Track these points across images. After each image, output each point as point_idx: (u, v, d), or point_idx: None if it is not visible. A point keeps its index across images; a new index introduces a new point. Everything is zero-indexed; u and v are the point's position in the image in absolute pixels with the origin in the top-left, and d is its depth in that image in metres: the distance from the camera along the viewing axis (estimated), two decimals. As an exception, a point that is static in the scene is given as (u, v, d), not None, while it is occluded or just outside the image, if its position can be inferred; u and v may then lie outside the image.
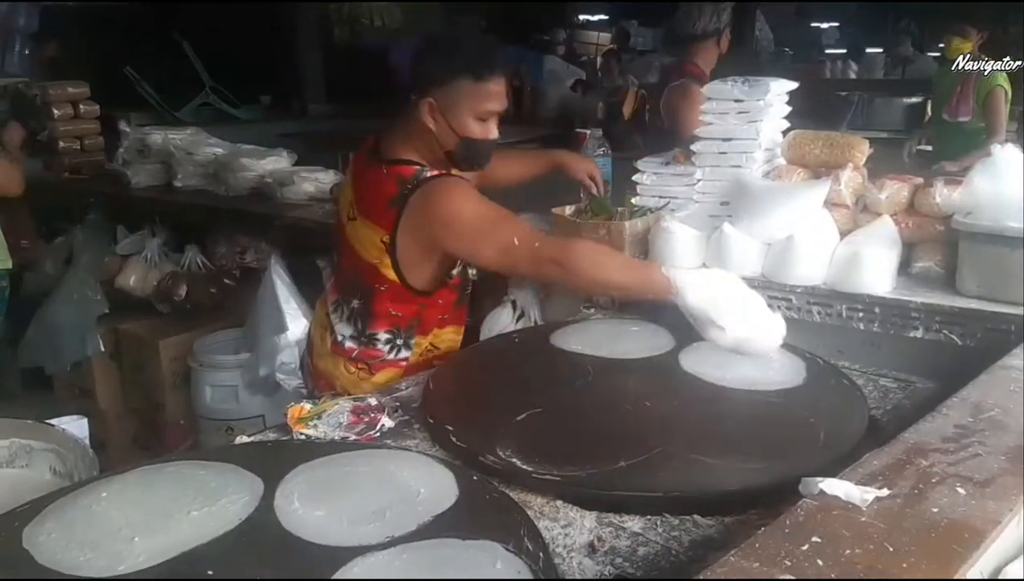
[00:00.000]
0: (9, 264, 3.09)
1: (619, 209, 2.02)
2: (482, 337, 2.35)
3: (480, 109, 1.64)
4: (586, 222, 2.01)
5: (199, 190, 3.23)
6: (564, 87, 8.51)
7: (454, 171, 1.73)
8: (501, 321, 2.38)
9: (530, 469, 1.17)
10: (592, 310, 2.07)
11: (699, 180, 1.98)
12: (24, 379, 3.52)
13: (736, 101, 1.92)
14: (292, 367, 2.65)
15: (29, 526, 1.03)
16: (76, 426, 1.74)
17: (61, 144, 3.83)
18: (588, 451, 1.22)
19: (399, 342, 1.84)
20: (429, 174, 1.68)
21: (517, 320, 2.39)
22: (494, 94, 1.65)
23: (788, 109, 2.02)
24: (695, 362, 1.56)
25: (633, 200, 2.09)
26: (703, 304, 1.50)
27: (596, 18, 12.65)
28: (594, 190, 2.15)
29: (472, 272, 1.98)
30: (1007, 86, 3.85)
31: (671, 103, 3.09)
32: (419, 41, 1.79)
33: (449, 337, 1.93)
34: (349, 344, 1.86)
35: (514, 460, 1.20)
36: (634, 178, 2.10)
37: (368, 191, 1.75)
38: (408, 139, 1.72)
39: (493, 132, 1.69)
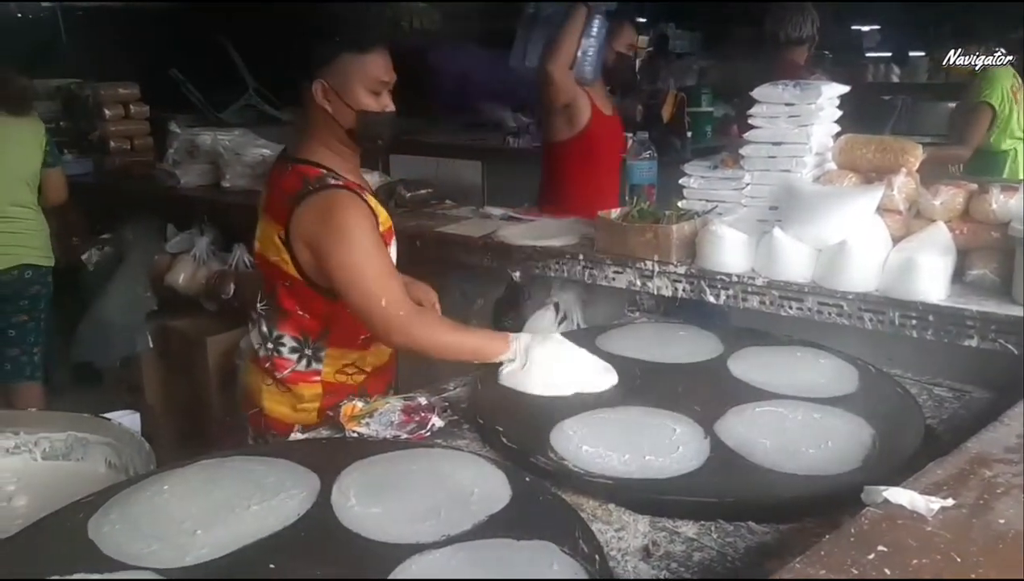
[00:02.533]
0: (52, 262, 3.19)
1: (666, 212, 2.01)
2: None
3: (369, 81, 1.64)
4: (632, 225, 2.00)
5: (247, 190, 3.27)
6: (602, 90, 8.49)
7: (369, 199, 1.68)
8: (543, 324, 2.39)
9: (582, 471, 1.18)
10: (637, 314, 2.07)
11: (747, 184, 1.97)
12: (74, 374, 3.60)
13: (787, 105, 1.90)
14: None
15: (94, 517, 1.06)
16: (128, 421, 1.78)
17: (112, 144, 3.93)
18: (640, 455, 1.22)
19: (307, 352, 1.73)
20: (333, 182, 1.63)
21: (559, 323, 2.39)
22: (381, 64, 1.65)
23: (839, 113, 2.00)
24: (745, 368, 1.55)
25: (679, 203, 2.08)
26: (532, 367, 1.51)
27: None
28: None
29: None
30: (996, 103, 3.74)
31: None
32: (301, 26, 1.81)
33: (376, 359, 1.79)
34: (262, 354, 1.77)
35: (565, 462, 1.21)
36: (681, 181, 2.09)
37: (272, 188, 1.71)
38: (312, 133, 1.69)
39: (389, 104, 1.67)
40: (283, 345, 1.74)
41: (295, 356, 1.73)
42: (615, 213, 2.11)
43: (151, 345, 3.13)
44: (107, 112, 3.86)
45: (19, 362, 3.17)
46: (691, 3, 9.56)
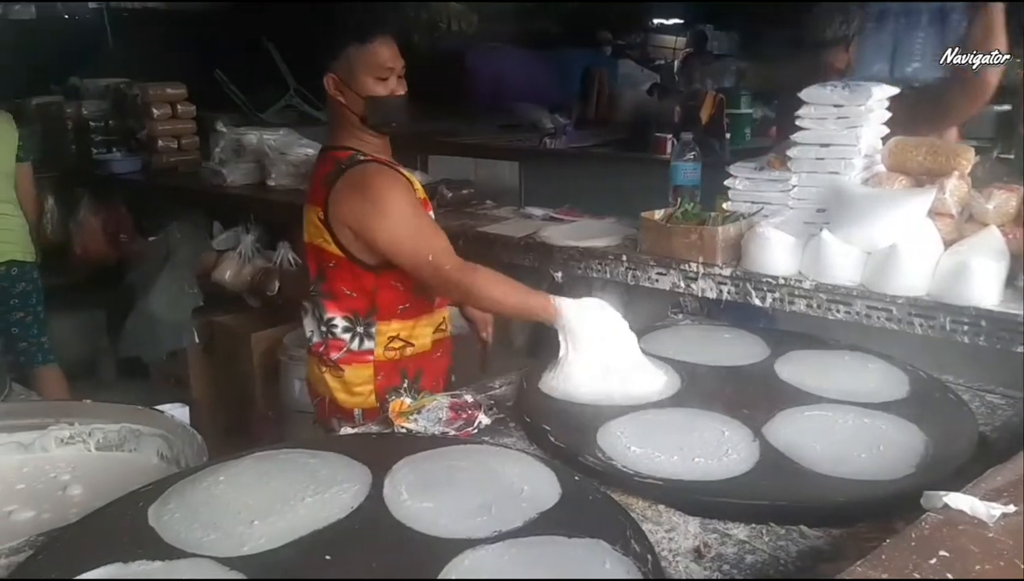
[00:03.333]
0: (34, 258, 3.23)
1: (711, 214, 2.00)
2: (564, 340, 2.35)
3: (375, 68, 1.72)
4: (677, 226, 2.00)
5: (291, 189, 3.33)
6: (639, 91, 8.45)
7: (402, 170, 1.79)
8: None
9: (631, 472, 1.18)
10: (680, 315, 2.06)
11: (794, 186, 1.95)
12: (121, 368, 3.68)
13: (836, 106, 1.88)
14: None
15: (153, 506, 1.08)
16: (178, 414, 1.82)
17: (160, 143, 4.01)
18: (689, 457, 1.22)
19: (359, 330, 1.80)
20: (363, 158, 1.74)
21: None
22: (385, 52, 1.73)
23: (888, 115, 1.97)
24: (793, 371, 1.54)
25: (724, 205, 2.07)
26: (572, 325, 1.56)
27: (671, 22, 12.51)
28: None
29: None
30: None
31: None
32: (311, 26, 1.92)
33: (421, 332, 1.85)
34: (316, 339, 1.85)
35: (614, 462, 1.21)
36: (726, 183, 2.08)
37: (312, 178, 1.83)
38: (337, 123, 1.79)
39: (398, 89, 1.76)
40: (335, 326, 1.81)
41: (348, 335, 1.81)
42: (659, 214, 2.10)
43: (197, 340, 3.20)
44: (155, 111, 3.95)
45: (29, 351, 3.23)
46: (729, 3, 9.46)
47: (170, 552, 0.98)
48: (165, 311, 3.13)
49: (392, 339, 1.81)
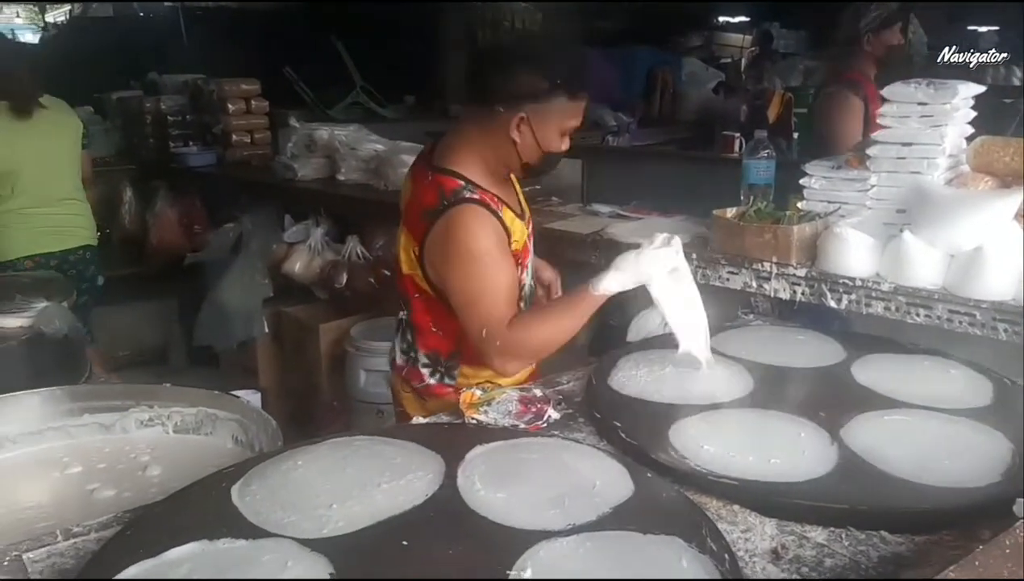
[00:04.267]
0: (97, 243, 3.26)
1: (786, 213, 1.97)
2: (629, 339, 2.35)
3: (567, 127, 1.59)
4: (750, 225, 1.97)
5: (360, 184, 3.39)
6: (705, 89, 8.34)
7: (505, 214, 1.62)
8: (649, 325, 2.37)
9: (705, 471, 1.16)
10: (751, 316, 2.02)
11: (873, 185, 1.90)
12: (193, 356, 3.80)
13: (919, 104, 1.82)
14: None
15: (236, 486, 1.11)
16: (251, 400, 1.87)
17: (234, 137, 4.12)
18: (764, 457, 1.20)
19: (440, 369, 1.72)
20: (468, 195, 1.56)
21: (666, 324, 2.36)
22: (581, 111, 1.60)
23: (973, 114, 1.90)
24: (871, 375, 1.50)
25: (799, 204, 2.03)
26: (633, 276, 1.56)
27: (736, 20, 12.31)
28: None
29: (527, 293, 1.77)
30: None
31: (822, 110, 2.93)
32: (504, 49, 1.75)
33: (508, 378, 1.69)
34: (400, 359, 1.78)
35: (687, 460, 1.20)
36: (801, 182, 2.03)
37: (412, 199, 1.66)
38: (468, 146, 1.62)
39: (567, 145, 1.63)
40: (418, 360, 1.74)
41: (428, 371, 1.73)
42: (731, 212, 2.07)
43: (266, 330, 3.27)
44: (230, 106, 4.06)
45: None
46: (796, 2, 9.27)
47: (253, 531, 1.00)
48: (237, 302, 3.22)
49: (479, 384, 1.60)
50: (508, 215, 1.62)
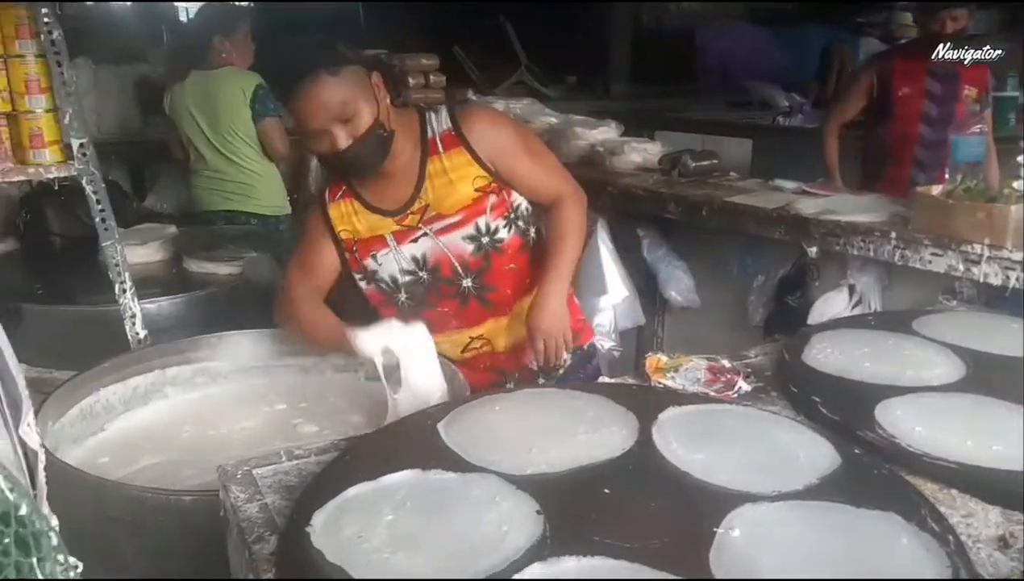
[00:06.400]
0: (280, 212, 3.38)
1: (1004, 191, 1.81)
2: (810, 320, 2.25)
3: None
4: (961, 204, 1.83)
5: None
6: (885, 70, 7.80)
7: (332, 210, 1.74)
8: (835, 306, 2.27)
9: (920, 452, 1.10)
10: (954, 302, 1.89)
11: (1109, 165, 1.71)
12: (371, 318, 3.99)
13: None
14: (607, 329, 2.74)
15: (441, 424, 1.16)
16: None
17: (412, 110, 4.26)
18: (984, 443, 1.12)
19: None
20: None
21: (853, 306, 2.25)
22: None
23: None
24: (1105, 368, 1.36)
25: (1015, 184, 1.86)
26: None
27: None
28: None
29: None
30: None
31: None
32: None
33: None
34: None
35: (897, 440, 1.14)
36: (1019, 159, 1.87)
37: None
38: None
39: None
40: None
41: None
42: (936, 189, 1.93)
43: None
44: (411, 80, 4.21)
45: None
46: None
47: (462, 465, 1.05)
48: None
49: None
50: (346, 209, 1.69)
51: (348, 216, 1.70)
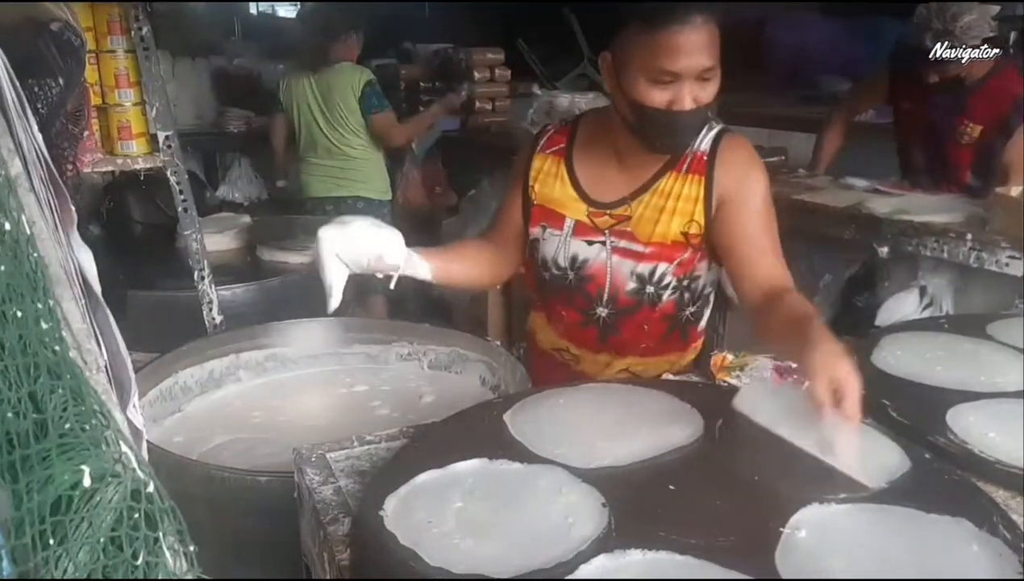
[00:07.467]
0: (385, 196, 3.58)
1: (1089, 194, 1.75)
2: (879, 322, 2.21)
3: (654, 68, 1.31)
4: (1042, 206, 1.77)
5: (597, 149, 3.41)
6: (964, 64, 7.52)
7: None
8: (904, 307, 2.22)
9: (993, 459, 1.08)
10: (1032, 307, 1.83)
11: None
12: (426, 307, 4.06)
13: None
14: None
15: (507, 415, 1.18)
16: (494, 346, 1.97)
17: (477, 104, 4.31)
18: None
19: None
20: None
21: (924, 309, 2.20)
22: (670, 49, 1.30)
23: None
24: None
25: (1101, 187, 1.80)
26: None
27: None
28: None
29: None
30: None
31: None
32: None
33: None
34: None
35: (969, 446, 1.12)
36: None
37: None
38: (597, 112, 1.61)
39: (668, 98, 1.34)
40: None
41: None
42: (1016, 190, 1.87)
43: (498, 286, 3.43)
44: (476, 75, 4.25)
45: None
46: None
47: (528, 456, 1.07)
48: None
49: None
50: (551, 167, 1.56)
51: (549, 175, 1.55)
